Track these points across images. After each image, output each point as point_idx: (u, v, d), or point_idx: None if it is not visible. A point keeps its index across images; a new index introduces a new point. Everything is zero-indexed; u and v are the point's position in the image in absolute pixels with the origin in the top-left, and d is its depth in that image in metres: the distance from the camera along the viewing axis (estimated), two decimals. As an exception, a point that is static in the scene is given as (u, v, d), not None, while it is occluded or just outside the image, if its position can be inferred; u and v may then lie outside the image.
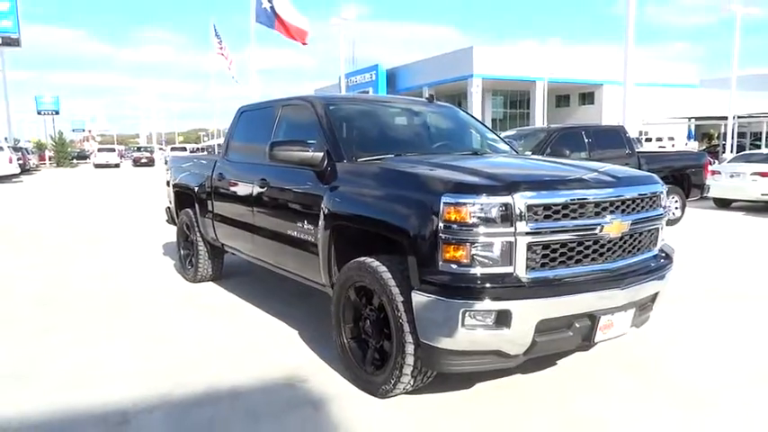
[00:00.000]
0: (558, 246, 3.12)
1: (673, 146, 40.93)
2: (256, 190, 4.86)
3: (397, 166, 3.72)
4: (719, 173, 13.93)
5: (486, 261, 3.00)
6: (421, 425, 3.22)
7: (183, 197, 6.67)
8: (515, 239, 3.00)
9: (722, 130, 29.64)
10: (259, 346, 4.43)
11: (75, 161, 51.84)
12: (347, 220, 3.75)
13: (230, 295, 5.96)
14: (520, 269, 3.03)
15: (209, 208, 5.86)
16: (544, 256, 3.10)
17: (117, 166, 45.93)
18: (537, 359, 3.52)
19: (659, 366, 4.01)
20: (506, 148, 4.98)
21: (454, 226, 2.98)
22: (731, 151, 24.45)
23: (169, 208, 7.35)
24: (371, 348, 3.58)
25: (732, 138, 25.87)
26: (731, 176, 13.69)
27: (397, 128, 4.89)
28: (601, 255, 3.28)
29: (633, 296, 3.37)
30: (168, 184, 7.16)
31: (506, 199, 2.99)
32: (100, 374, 3.92)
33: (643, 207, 3.50)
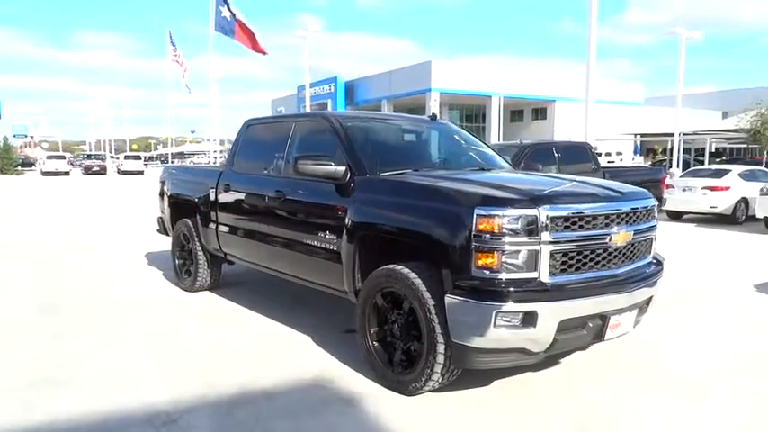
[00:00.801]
0: (574, 253, 3.49)
1: (621, 160, 42.74)
2: (270, 202, 5.06)
3: (425, 180, 4.04)
4: (672, 187, 14.74)
5: (515, 267, 3.33)
6: (450, 418, 3.51)
7: (181, 208, 6.77)
8: (540, 248, 3.35)
9: (668, 146, 31.19)
10: (275, 351, 4.63)
11: (20, 168, 49.93)
12: (374, 231, 4.03)
13: (231, 303, 6.11)
14: (543, 274, 3.38)
15: (213, 218, 6.00)
16: (563, 262, 3.45)
17: (67, 173, 44.57)
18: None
19: (650, 362, 4.42)
20: (505, 163, 5.36)
21: (486, 236, 3.31)
22: (677, 166, 25.81)
23: (161, 218, 7.43)
24: (399, 350, 3.85)
25: (678, 153, 27.30)
26: (683, 190, 14.56)
27: (408, 144, 5.20)
28: (608, 261, 3.66)
29: (635, 299, 3.77)
30: (162, 195, 7.24)
31: (533, 212, 3.34)
32: (129, 378, 4.05)
33: (642, 219, 3.91)
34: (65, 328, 5.16)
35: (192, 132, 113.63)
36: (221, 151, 33.50)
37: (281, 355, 4.55)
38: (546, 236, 3.36)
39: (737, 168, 15.36)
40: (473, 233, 3.33)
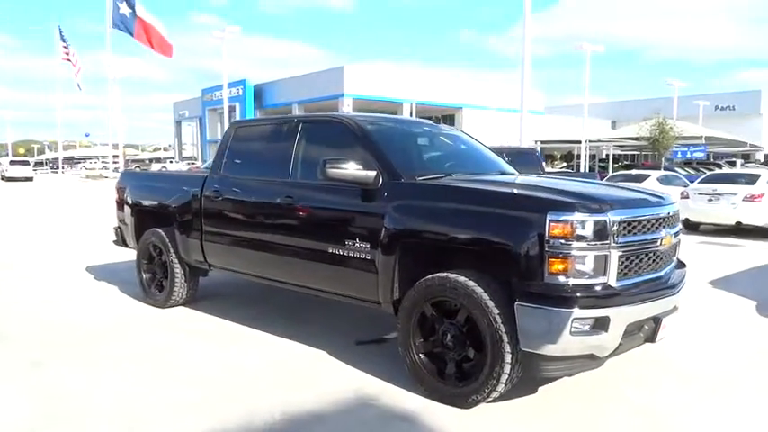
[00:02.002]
0: (634, 257, 3.51)
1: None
2: (277, 209, 4.74)
3: (479, 185, 3.93)
4: (687, 196, 13.42)
5: (586, 272, 3.30)
6: (516, 428, 3.41)
7: (151, 216, 6.22)
8: (610, 252, 3.34)
9: (570, 153, 33.10)
10: (296, 370, 4.32)
11: None
12: (419, 239, 3.87)
13: (216, 318, 5.66)
14: (612, 279, 3.37)
15: (196, 227, 5.54)
16: (625, 266, 3.46)
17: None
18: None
19: (675, 362, 4.56)
20: (512, 168, 5.36)
21: (559, 241, 3.25)
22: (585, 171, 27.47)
23: (119, 228, 6.78)
24: (451, 361, 3.70)
25: (585, 160, 29.08)
26: (710, 200, 13.21)
27: (429, 148, 5.05)
28: (657, 264, 3.72)
29: (679, 300, 3.86)
30: (122, 203, 6.61)
31: (603, 216, 3.33)
32: (153, 411, 3.60)
33: (676, 222, 4.03)
34: (40, 356, 4.53)
35: (87, 136, 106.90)
36: (168, 159, 31.09)
37: (305, 373, 4.25)
38: (614, 240, 3.36)
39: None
40: (546, 239, 3.27)
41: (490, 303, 3.44)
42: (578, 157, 30.69)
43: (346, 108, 46.17)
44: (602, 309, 3.29)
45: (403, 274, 3.95)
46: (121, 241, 6.79)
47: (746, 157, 50.51)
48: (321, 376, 4.19)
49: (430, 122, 5.44)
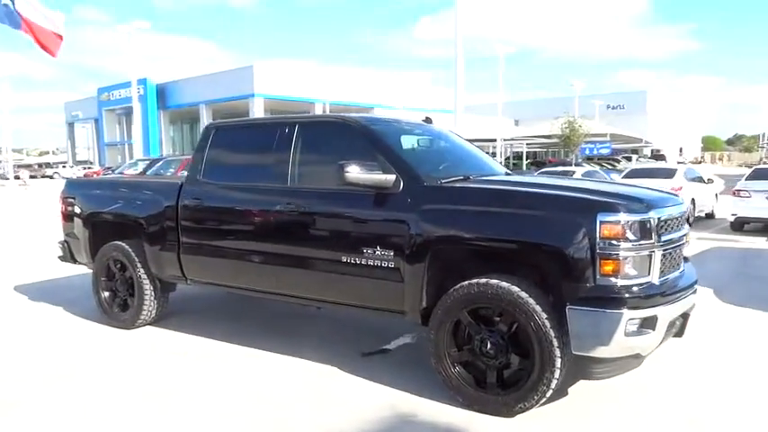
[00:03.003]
0: (668, 255, 3.56)
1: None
2: (278, 217, 4.42)
3: (517, 187, 3.83)
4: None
5: (635, 272, 3.29)
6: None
7: (111, 229, 5.63)
8: (654, 251, 3.35)
9: (488, 150, 34.12)
10: (316, 389, 4.03)
11: None
12: (455, 244, 3.73)
13: (197, 337, 5.21)
14: (654, 277, 3.39)
15: (172, 239, 5.07)
16: (663, 264, 3.50)
17: None
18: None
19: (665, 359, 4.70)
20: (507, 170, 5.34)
21: (610, 242, 3.23)
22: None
23: (67, 243, 6.10)
24: (492, 370, 3.58)
25: (502, 157, 30.11)
26: None
27: (436, 149, 4.87)
28: (677, 261, 3.80)
29: (697, 295, 3.97)
30: (70, 215, 5.94)
31: (648, 215, 3.35)
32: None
33: (687, 220, 4.14)
34: (8, 395, 3.95)
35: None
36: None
37: (328, 390, 3.99)
38: (657, 239, 3.38)
39: None
40: (596, 240, 3.23)
41: (537, 308, 3.36)
42: (493, 155, 31.76)
43: (257, 109, 45.10)
44: (651, 308, 3.30)
45: (433, 282, 3.78)
46: (70, 257, 6.11)
47: (635, 152, 54.51)
48: (345, 392, 3.94)
49: (421, 123, 5.29)
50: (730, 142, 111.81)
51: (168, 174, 15.71)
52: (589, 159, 33.68)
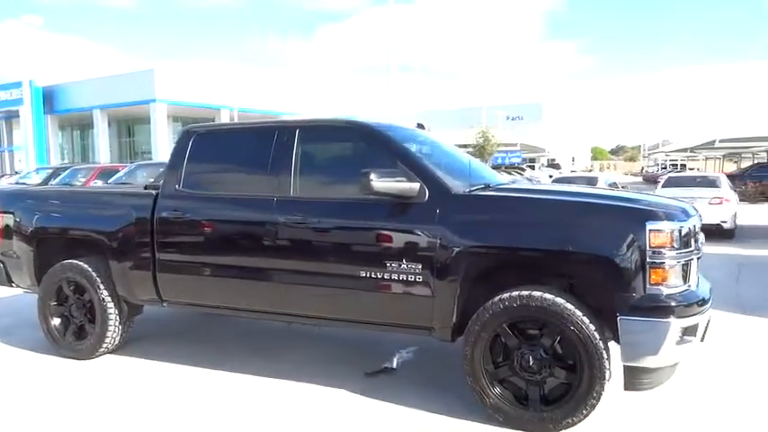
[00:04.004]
0: (697, 262, 3.60)
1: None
2: (282, 229, 4.05)
3: (557, 196, 3.75)
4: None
5: (678, 280, 3.29)
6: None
7: (64, 246, 4.97)
8: (692, 258, 3.38)
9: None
10: (321, 417, 3.72)
11: None
12: (492, 256, 3.58)
13: (165, 365, 4.67)
14: (693, 284, 3.41)
15: (145, 256, 4.53)
16: (695, 272, 3.54)
17: None
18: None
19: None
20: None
21: (659, 250, 3.21)
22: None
23: (1, 263, 5.30)
24: (534, 385, 3.45)
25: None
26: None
27: (447, 156, 4.65)
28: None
29: None
30: (6, 231, 5.18)
31: (689, 223, 3.36)
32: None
33: None
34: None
35: None
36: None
37: (344, 420, 3.67)
38: (694, 245, 3.42)
39: None
40: (646, 249, 3.20)
41: (585, 320, 3.28)
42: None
43: (159, 115, 42.90)
44: (693, 316, 3.31)
45: (466, 297, 3.60)
46: (5, 279, 5.32)
47: (533, 161, 57.44)
48: (365, 418, 3.66)
49: (416, 130, 5.09)
50: (614, 152, 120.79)
51: (77, 184, 14.43)
52: (496, 167, 34.98)
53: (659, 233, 3.22)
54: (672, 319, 3.20)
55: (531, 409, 3.44)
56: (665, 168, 52.48)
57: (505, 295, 3.45)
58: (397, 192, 3.65)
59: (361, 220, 3.89)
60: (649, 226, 3.22)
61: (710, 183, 13.21)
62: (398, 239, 3.76)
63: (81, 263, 4.81)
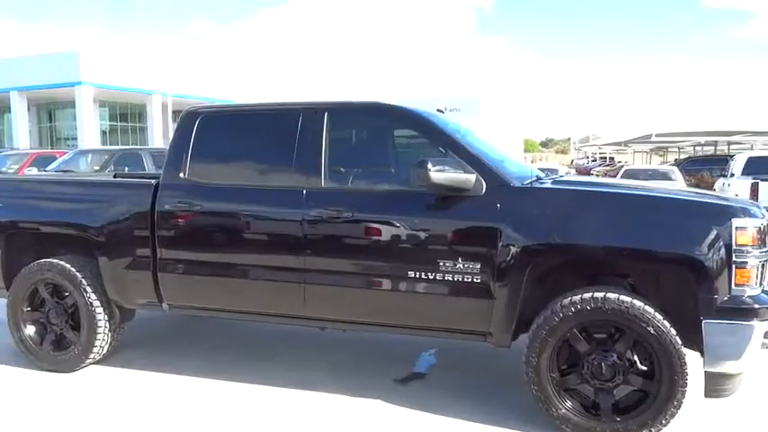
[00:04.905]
0: None
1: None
2: (313, 224, 3.61)
3: (631, 191, 3.50)
4: None
5: (757, 281, 3.13)
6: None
7: (38, 243, 4.34)
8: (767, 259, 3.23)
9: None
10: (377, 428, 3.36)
11: None
12: (562, 255, 3.32)
13: (165, 377, 4.15)
14: (765, 284, 3.26)
15: (144, 254, 3.98)
16: None
17: None
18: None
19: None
20: None
21: (744, 249, 3.03)
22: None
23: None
24: (605, 394, 3.21)
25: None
26: None
27: (481, 146, 4.30)
28: None
29: None
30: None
31: (765, 221, 3.20)
32: None
33: None
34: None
35: None
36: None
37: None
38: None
39: None
40: (733, 248, 3.01)
41: (666, 323, 3.06)
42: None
43: (86, 99, 40.43)
44: (772, 317, 3.16)
45: (530, 299, 3.31)
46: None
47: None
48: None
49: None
50: (544, 144, 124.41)
51: (8, 171, 13.18)
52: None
53: (744, 231, 3.04)
54: (755, 322, 3.03)
55: (603, 420, 3.19)
56: (595, 161, 54.47)
57: (576, 297, 3.18)
58: (457, 184, 3.31)
59: (409, 214, 3.51)
60: (735, 223, 3.03)
61: (665, 175, 13.64)
62: (453, 236, 3.42)
63: (62, 262, 4.19)
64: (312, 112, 3.80)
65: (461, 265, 3.36)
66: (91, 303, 4.12)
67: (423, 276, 3.43)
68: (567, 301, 3.19)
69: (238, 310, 3.96)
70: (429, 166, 3.23)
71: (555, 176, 4.38)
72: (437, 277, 3.40)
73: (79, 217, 4.16)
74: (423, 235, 3.48)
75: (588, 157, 63.84)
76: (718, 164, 24.40)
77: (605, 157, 56.13)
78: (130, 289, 4.08)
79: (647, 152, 50.26)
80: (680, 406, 3.08)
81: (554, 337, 3.22)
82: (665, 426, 3.12)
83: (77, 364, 4.22)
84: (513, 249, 3.26)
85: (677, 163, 25.55)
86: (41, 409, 3.67)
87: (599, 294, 3.14)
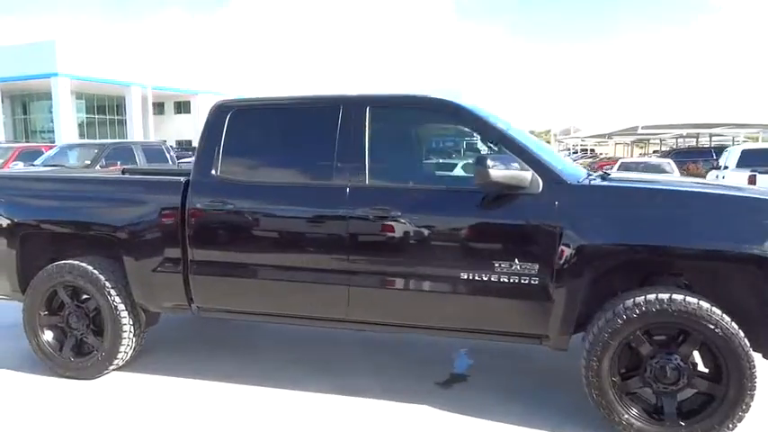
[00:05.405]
0: None
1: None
2: (360, 223, 3.46)
3: (684, 188, 3.49)
4: None
5: None
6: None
7: (57, 244, 4.12)
8: None
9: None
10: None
11: None
12: (623, 255, 3.20)
13: (193, 382, 3.97)
14: None
15: (173, 255, 3.79)
16: None
17: None
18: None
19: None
20: None
21: None
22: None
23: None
24: (668, 398, 3.11)
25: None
26: None
27: (529, 142, 4.17)
28: None
29: None
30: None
31: None
32: None
33: None
34: None
35: None
36: None
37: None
38: None
39: None
40: None
41: (735, 326, 2.97)
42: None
43: (62, 91, 39.45)
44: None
45: (590, 301, 3.20)
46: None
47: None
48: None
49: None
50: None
51: (-7, 165, 12.73)
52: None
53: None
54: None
55: (667, 424, 3.10)
56: (576, 153, 54.85)
57: (640, 299, 3.07)
58: (517, 182, 3.18)
59: (460, 213, 3.37)
60: (803, 221, 2.96)
61: (661, 168, 13.71)
62: (510, 236, 3.30)
63: (83, 263, 3.97)
64: (353, 106, 3.63)
65: (518, 266, 3.23)
66: (115, 307, 3.92)
67: (476, 278, 3.30)
68: (630, 302, 3.08)
69: (274, 313, 3.80)
70: (488, 162, 3.09)
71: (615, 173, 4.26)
72: (492, 279, 3.27)
73: (104, 216, 3.94)
74: (476, 235, 3.36)
75: (569, 149, 64.33)
76: (703, 155, 24.77)
77: (586, 149, 56.54)
78: (158, 291, 3.89)
79: (627, 144, 50.77)
80: (748, 410, 3.00)
81: (616, 339, 3.11)
82: (731, 430, 3.04)
83: (100, 370, 4.01)
84: (573, 250, 3.14)
85: (663, 155, 25.82)
86: (64, 419, 3.47)
87: (664, 296, 3.04)
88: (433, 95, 3.62)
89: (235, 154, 3.81)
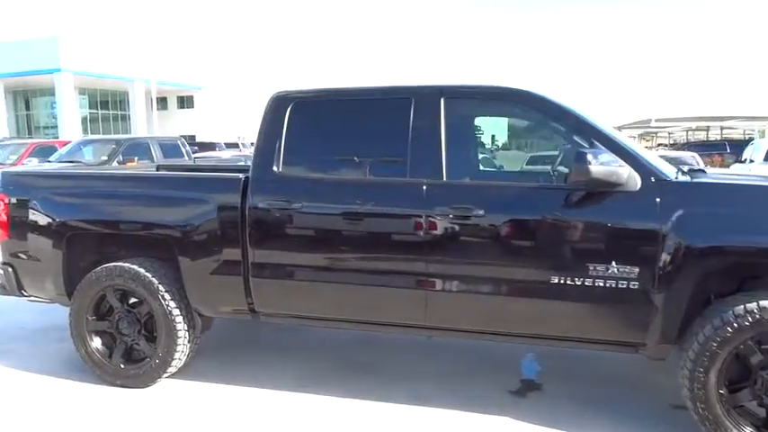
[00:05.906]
0: None
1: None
2: (439, 223, 3.23)
3: None
4: None
5: None
6: None
7: (106, 246, 3.90)
8: None
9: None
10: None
11: None
12: (729, 257, 2.98)
13: (250, 390, 3.76)
14: None
15: (232, 257, 3.57)
16: None
17: None
18: None
19: None
20: None
21: None
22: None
23: (11, 267, 4.08)
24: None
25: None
26: None
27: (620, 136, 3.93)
28: None
29: None
30: (21, 225, 3.97)
31: None
32: None
33: None
34: None
35: None
36: None
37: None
38: None
39: None
40: None
41: None
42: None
43: (66, 87, 39.14)
44: None
45: (694, 306, 2.98)
46: (15, 287, 4.10)
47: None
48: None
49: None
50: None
51: (6, 163, 12.49)
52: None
53: None
54: None
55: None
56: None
57: (752, 305, 2.84)
58: (615, 178, 2.95)
59: (549, 212, 3.13)
60: None
61: (685, 161, 13.45)
62: (605, 237, 3.07)
63: (134, 266, 3.75)
64: (425, 97, 3.40)
65: (615, 270, 3.01)
66: (170, 312, 3.69)
67: (568, 282, 3.07)
68: (740, 309, 2.86)
69: (342, 318, 3.57)
70: (589, 158, 2.87)
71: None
72: (586, 283, 3.05)
73: (157, 216, 3.72)
74: (568, 236, 3.12)
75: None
76: (717, 149, 24.57)
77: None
78: (216, 295, 3.67)
79: (634, 137, 50.57)
80: None
81: (725, 349, 2.88)
82: None
83: (153, 378, 3.80)
84: (678, 252, 2.91)
85: (678, 147, 25.63)
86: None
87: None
88: (509, 87, 3.38)
89: (297, 149, 3.58)
